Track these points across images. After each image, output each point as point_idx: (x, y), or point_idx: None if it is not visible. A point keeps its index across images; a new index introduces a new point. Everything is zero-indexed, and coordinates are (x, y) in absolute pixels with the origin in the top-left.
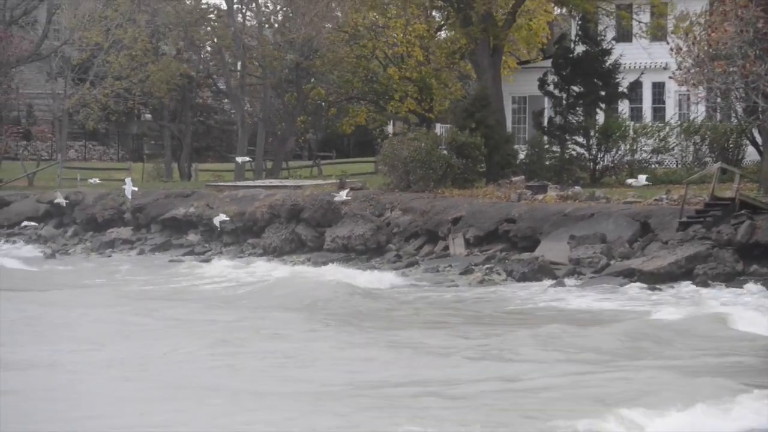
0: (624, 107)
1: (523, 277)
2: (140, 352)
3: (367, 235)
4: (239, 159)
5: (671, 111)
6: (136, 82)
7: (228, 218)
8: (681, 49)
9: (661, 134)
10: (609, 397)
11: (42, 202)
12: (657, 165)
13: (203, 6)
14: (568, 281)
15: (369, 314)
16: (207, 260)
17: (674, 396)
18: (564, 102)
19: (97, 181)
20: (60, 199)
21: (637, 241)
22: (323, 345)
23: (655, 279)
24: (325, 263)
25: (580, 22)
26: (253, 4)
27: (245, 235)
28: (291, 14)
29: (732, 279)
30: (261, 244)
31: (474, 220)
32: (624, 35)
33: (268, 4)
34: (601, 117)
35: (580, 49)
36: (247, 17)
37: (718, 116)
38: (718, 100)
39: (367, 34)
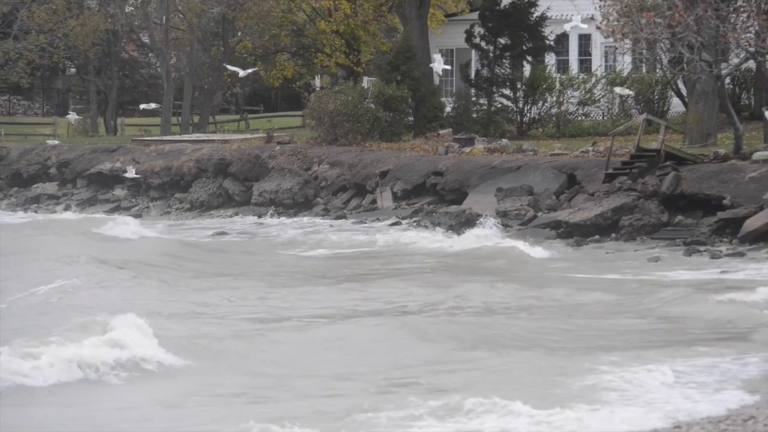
0: (551, 59)
1: (451, 230)
2: None
3: (294, 189)
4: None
5: (597, 63)
6: (59, 36)
7: (137, 175)
8: None
9: (587, 86)
10: None
11: None
12: (583, 117)
13: None
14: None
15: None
16: (137, 215)
17: None
18: (491, 55)
19: None
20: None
21: (563, 193)
22: None
23: (582, 231)
24: (256, 217)
25: None
26: None
27: (172, 189)
28: None
29: (657, 230)
30: (188, 198)
31: (401, 174)
32: None
33: None
34: (528, 69)
35: (506, 1)
36: None
37: (644, 68)
38: (644, 51)
39: None
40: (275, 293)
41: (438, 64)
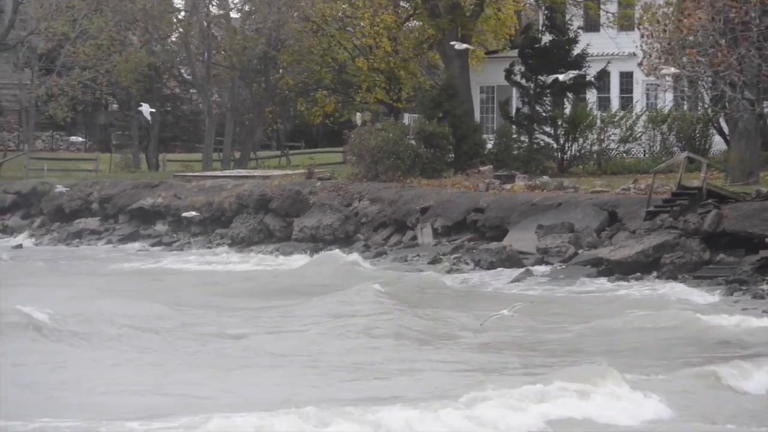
0: (592, 96)
1: (491, 266)
2: None
3: (335, 225)
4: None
5: (639, 100)
6: (102, 72)
7: (197, 213)
8: (651, 35)
9: (629, 123)
10: None
11: (9, 192)
12: (624, 154)
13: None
14: (536, 270)
15: None
16: (179, 250)
17: None
18: (531, 92)
19: None
20: None
21: (604, 230)
22: None
23: (623, 268)
24: (292, 253)
25: (547, 12)
26: None
27: (213, 225)
28: (257, 6)
29: (699, 268)
30: (229, 234)
31: (442, 210)
32: (591, 25)
33: None
34: (568, 107)
35: (546, 38)
36: (213, 5)
37: (686, 105)
38: (686, 89)
39: (334, 24)
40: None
41: None
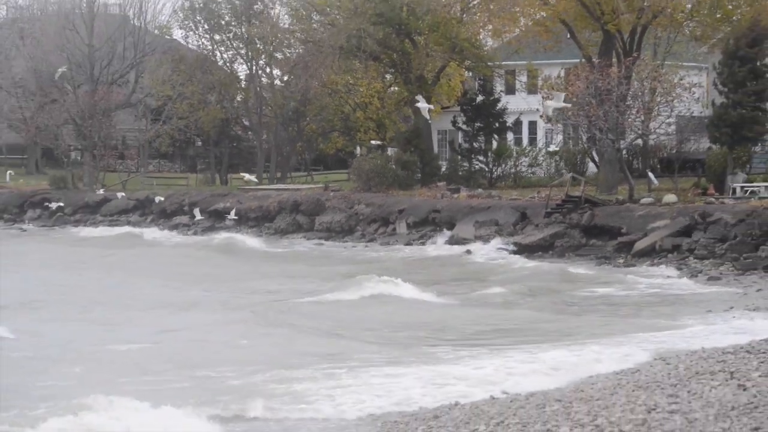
0: (510, 137)
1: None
2: None
3: (342, 221)
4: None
5: (540, 139)
6: (192, 121)
7: (236, 217)
8: (548, 98)
9: (534, 155)
10: None
11: (131, 199)
12: (531, 174)
13: (234, 73)
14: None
15: None
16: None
17: None
18: (470, 133)
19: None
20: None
21: (518, 224)
22: None
23: (530, 249)
24: (317, 239)
25: (480, 81)
26: (268, 70)
27: (263, 220)
28: (292, 77)
29: (579, 249)
30: (273, 226)
31: (412, 211)
32: (509, 89)
33: (277, 71)
34: (494, 143)
35: (480, 98)
36: (263, 77)
37: (570, 143)
38: (570, 132)
39: (342, 89)
40: None
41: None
